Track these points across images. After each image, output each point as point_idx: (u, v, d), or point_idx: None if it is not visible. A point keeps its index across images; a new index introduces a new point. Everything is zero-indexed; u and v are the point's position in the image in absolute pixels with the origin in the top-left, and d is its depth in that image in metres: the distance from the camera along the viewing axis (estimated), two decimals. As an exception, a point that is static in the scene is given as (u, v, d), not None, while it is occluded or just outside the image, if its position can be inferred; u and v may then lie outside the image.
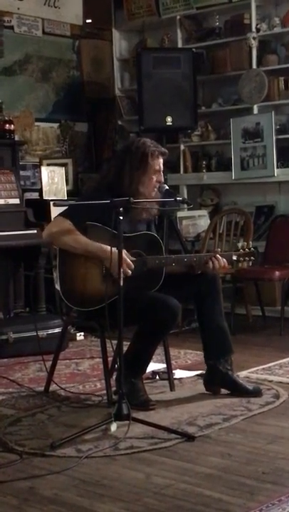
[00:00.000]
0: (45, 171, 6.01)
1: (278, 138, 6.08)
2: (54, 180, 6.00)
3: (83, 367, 4.57)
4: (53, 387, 3.91)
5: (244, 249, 3.78)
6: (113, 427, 3.14)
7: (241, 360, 4.40)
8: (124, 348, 3.34)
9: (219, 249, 4.41)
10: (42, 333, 4.75)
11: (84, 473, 2.77)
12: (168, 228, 5.47)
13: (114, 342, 3.45)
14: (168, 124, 6.03)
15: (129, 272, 3.47)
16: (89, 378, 4.26)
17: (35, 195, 6.20)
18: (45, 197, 5.88)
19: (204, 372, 3.85)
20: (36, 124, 6.67)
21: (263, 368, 4.36)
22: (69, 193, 6.10)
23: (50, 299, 5.42)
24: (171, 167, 6.43)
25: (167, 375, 3.95)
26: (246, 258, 3.77)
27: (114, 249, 3.35)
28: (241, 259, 3.77)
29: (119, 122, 7.16)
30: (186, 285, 3.75)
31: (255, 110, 6.25)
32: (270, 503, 2.42)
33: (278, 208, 6.35)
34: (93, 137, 7.15)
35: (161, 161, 3.65)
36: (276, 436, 3.13)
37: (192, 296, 3.82)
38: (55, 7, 6.73)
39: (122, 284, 3.19)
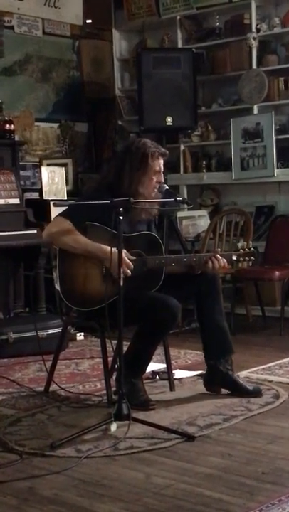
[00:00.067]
0: (45, 171, 6.01)
1: (278, 138, 6.08)
2: (54, 181, 5.99)
3: (83, 367, 4.57)
4: (53, 387, 3.90)
5: (244, 249, 3.78)
6: (113, 427, 3.14)
7: (241, 360, 4.40)
8: (124, 348, 3.33)
9: (219, 249, 4.41)
10: (42, 333, 4.75)
11: (84, 473, 2.77)
12: (168, 228, 5.48)
13: (114, 342, 3.44)
14: (168, 124, 6.03)
15: (129, 272, 3.46)
16: (89, 378, 4.26)
17: (35, 195, 6.20)
18: (45, 197, 5.88)
19: (204, 372, 3.85)
20: (36, 124, 6.67)
21: (263, 368, 4.35)
22: (69, 193, 6.10)
23: (50, 299, 5.40)
24: (171, 167, 6.43)
25: (167, 375, 3.94)
26: (246, 258, 3.77)
27: (114, 249, 3.35)
28: (241, 259, 3.76)
29: (119, 122, 7.16)
30: (186, 285, 3.75)
31: (255, 110, 6.25)
32: (270, 503, 2.42)
33: (278, 208, 6.35)
34: (93, 137, 7.15)
35: (161, 161, 3.65)
36: (276, 437, 3.13)
37: (192, 296, 3.82)
38: (55, 7, 6.73)
39: (122, 284, 3.19)
